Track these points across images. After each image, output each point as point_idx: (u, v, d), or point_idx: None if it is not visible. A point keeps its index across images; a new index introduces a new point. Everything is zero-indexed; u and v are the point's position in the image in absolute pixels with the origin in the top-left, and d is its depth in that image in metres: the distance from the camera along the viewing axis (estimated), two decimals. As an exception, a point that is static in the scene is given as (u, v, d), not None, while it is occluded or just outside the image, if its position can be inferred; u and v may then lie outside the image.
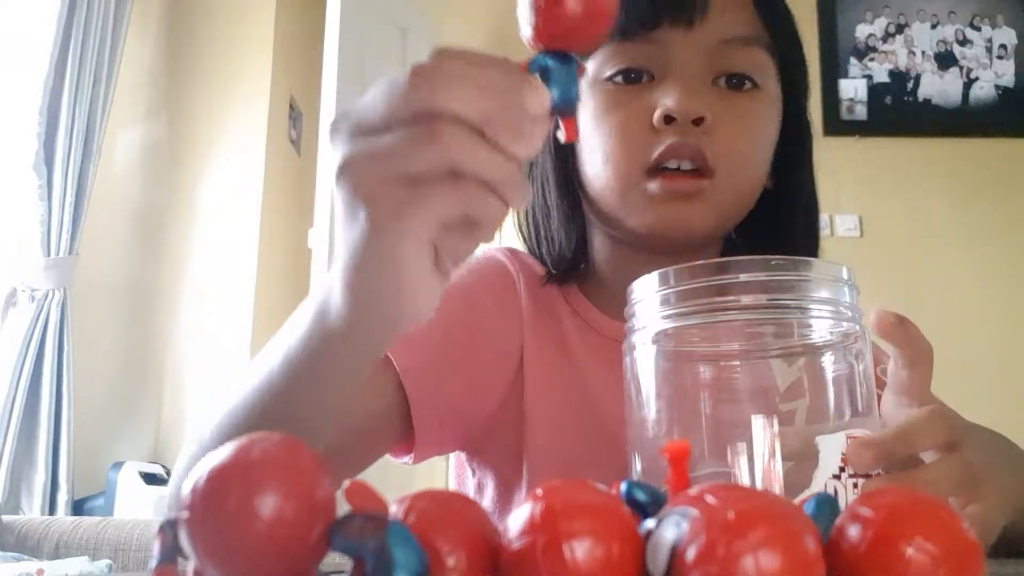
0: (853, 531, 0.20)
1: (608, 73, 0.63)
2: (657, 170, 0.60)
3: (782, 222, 0.68)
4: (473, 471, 0.71)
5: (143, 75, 2.56)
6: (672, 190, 0.60)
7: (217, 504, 0.20)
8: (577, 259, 0.69)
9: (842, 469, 0.36)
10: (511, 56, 0.34)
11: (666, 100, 0.59)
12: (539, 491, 0.20)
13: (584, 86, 0.65)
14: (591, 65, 0.64)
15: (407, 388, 0.59)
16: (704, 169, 0.60)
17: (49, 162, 2.18)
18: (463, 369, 0.63)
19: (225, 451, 0.20)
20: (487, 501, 0.69)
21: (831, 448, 0.36)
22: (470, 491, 0.71)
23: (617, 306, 0.68)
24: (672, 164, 0.60)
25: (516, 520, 0.20)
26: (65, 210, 2.20)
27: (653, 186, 0.60)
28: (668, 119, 0.59)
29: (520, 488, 0.66)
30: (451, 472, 0.73)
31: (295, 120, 2.78)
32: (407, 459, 0.64)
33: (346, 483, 0.22)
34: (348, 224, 0.35)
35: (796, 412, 0.38)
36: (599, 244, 0.70)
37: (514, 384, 0.66)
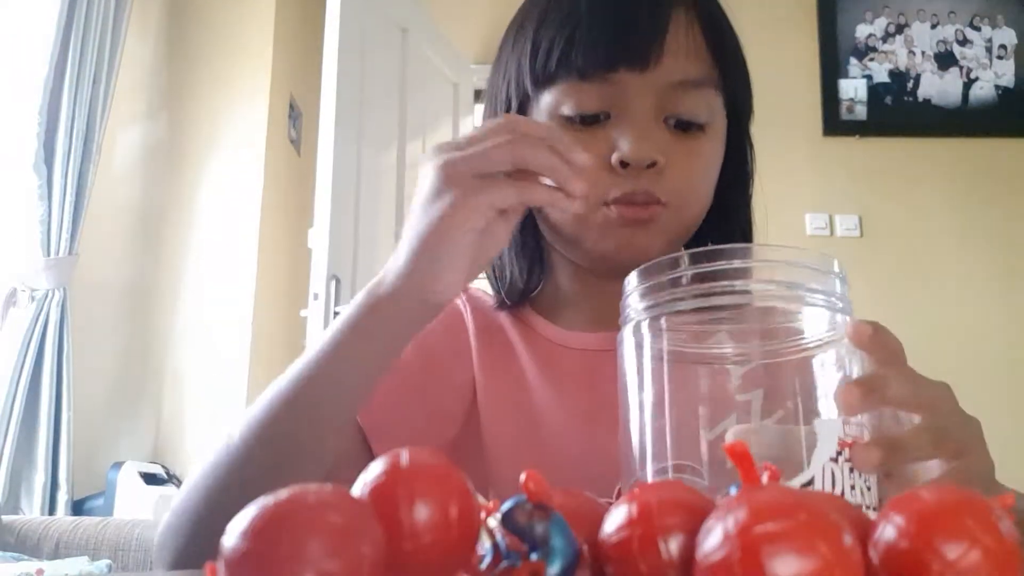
0: (890, 531, 0.20)
1: (566, 113, 0.66)
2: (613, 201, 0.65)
3: (720, 237, 0.72)
4: None
5: (143, 75, 2.56)
6: (629, 217, 0.64)
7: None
8: (528, 289, 0.74)
9: (839, 452, 0.36)
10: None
11: (622, 145, 0.63)
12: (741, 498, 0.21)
13: (542, 119, 0.68)
14: (548, 97, 0.67)
15: (365, 429, 0.64)
16: (656, 201, 0.64)
17: (49, 162, 2.19)
18: (420, 400, 0.68)
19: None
20: None
21: (828, 432, 0.36)
22: None
23: (576, 318, 0.73)
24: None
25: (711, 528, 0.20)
26: (65, 210, 2.20)
27: (611, 213, 0.64)
28: (623, 163, 0.63)
29: None
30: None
31: (295, 120, 2.79)
32: None
33: (523, 475, 0.23)
34: (431, 202, 0.50)
35: (752, 402, 0.39)
36: (560, 266, 0.74)
37: (471, 412, 0.70)
